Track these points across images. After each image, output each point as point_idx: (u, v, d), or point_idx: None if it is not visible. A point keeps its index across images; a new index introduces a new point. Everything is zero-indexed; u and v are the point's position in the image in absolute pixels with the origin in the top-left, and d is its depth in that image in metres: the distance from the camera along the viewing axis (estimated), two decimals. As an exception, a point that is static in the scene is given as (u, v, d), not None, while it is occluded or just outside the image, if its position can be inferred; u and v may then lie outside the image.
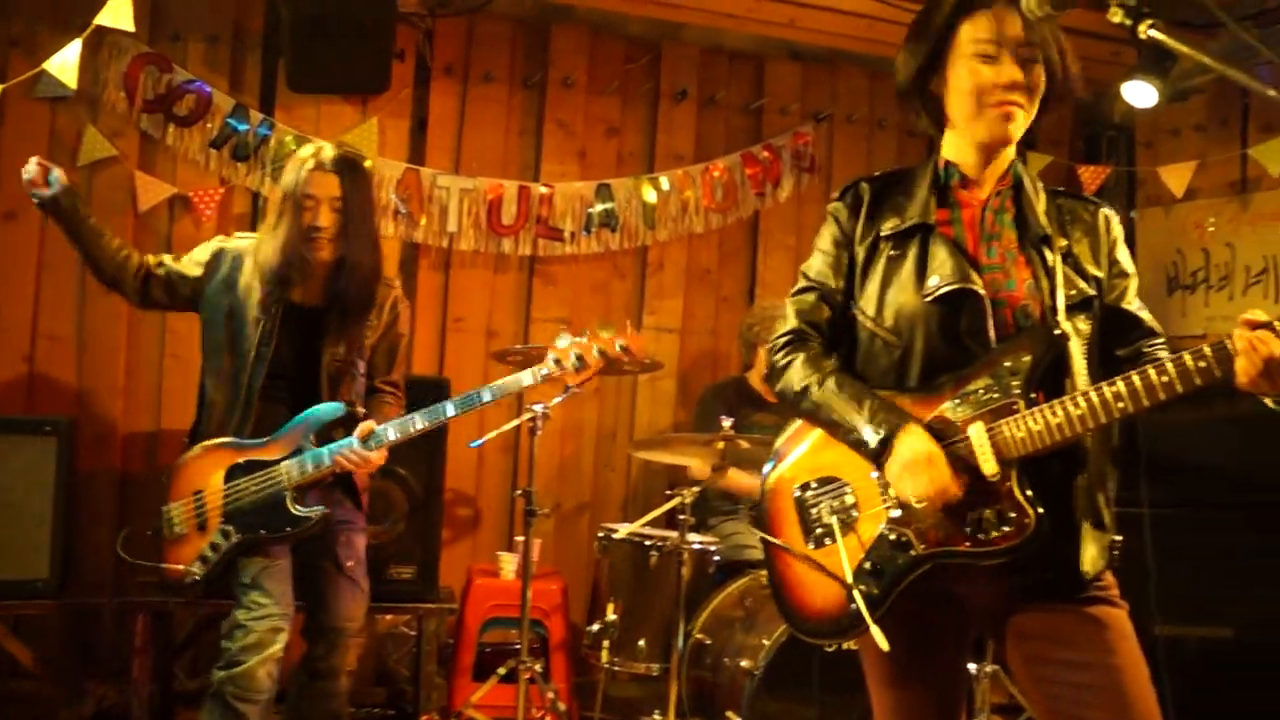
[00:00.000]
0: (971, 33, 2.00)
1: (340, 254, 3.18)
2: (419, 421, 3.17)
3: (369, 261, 3.25)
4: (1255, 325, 1.77)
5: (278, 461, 3.12)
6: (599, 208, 5.16)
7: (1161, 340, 2.11)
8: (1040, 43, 1.99)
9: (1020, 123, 2.03)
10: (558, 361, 3.21)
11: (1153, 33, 1.36)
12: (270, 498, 3.09)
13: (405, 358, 3.55)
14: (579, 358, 3.20)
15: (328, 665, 3.23)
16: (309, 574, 3.23)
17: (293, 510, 3.08)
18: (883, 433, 1.96)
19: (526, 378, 3.22)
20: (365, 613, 3.33)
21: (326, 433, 3.16)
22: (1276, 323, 1.76)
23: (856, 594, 1.98)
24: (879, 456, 1.98)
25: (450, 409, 3.18)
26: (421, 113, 5.09)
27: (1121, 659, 1.91)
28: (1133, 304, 2.13)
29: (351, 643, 3.25)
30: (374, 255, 3.29)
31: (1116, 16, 1.40)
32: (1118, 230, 2.16)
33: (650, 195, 5.22)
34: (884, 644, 1.93)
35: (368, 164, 4.73)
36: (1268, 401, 1.83)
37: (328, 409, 3.15)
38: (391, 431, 3.15)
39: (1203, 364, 1.81)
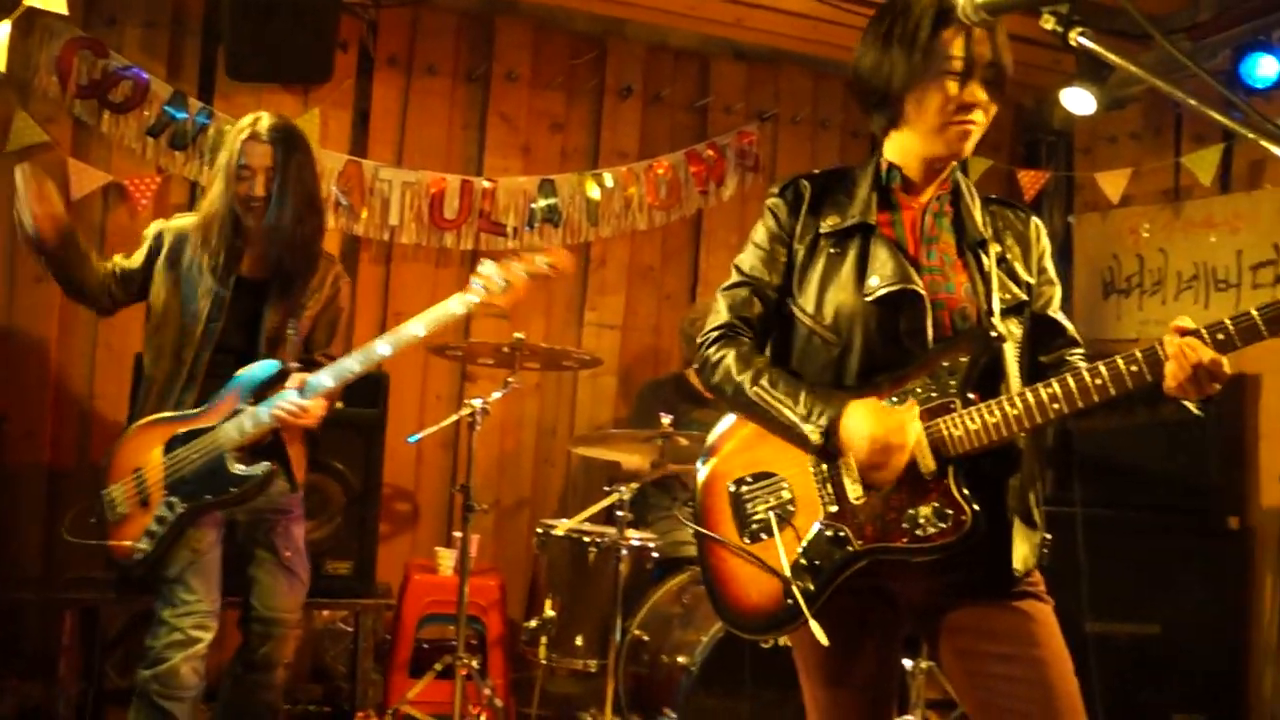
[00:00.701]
0: (946, 48, 2.01)
1: (276, 222, 3.14)
2: (354, 364, 3.07)
3: (306, 230, 3.19)
4: (1184, 332, 1.82)
5: (216, 426, 3.05)
6: (542, 203, 5.14)
7: (1081, 350, 2.16)
8: (993, 58, 2.01)
9: (975, 140, 2.07)
10: (484, 286, 3.11)
11: (1082, 40, 1.39)
12: (211, 463, 3.02)
13: (345, 333, 3.50)
14: (505, 280, 3.11)
15: (264, 657, 3.18)
16: (245, 564, 3.19)
17: (234, 470, 3.01)
18: (824, 423, 1.97)
19: (456, 305, 3.10)
20: (303, 604, 3.29)
21: (262, 392, 3.08)
22: (1204, 330, 1.81)
23: (795, 589, 1.99)
24: (825, 449, 1.99)
25: (383, 347, 3.08)
26: (364, 104, 5.04)
27: (1047, 652, 1.96)
28: (1057, 312, 2.19)
29: (289, 634, 3.21)
30: (312, 223, 3.23)
31: (1048, 24, 1.43)
32: (1046, 239, 2.22)
33: (594, 191, 5.21)
34: (823, 639, 1.94)
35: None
36: (1191, 406, 1.87)
37: (261, 367, 3.09)
38: (326, 377, 3.06)
39: (1135, 368, 1.85)
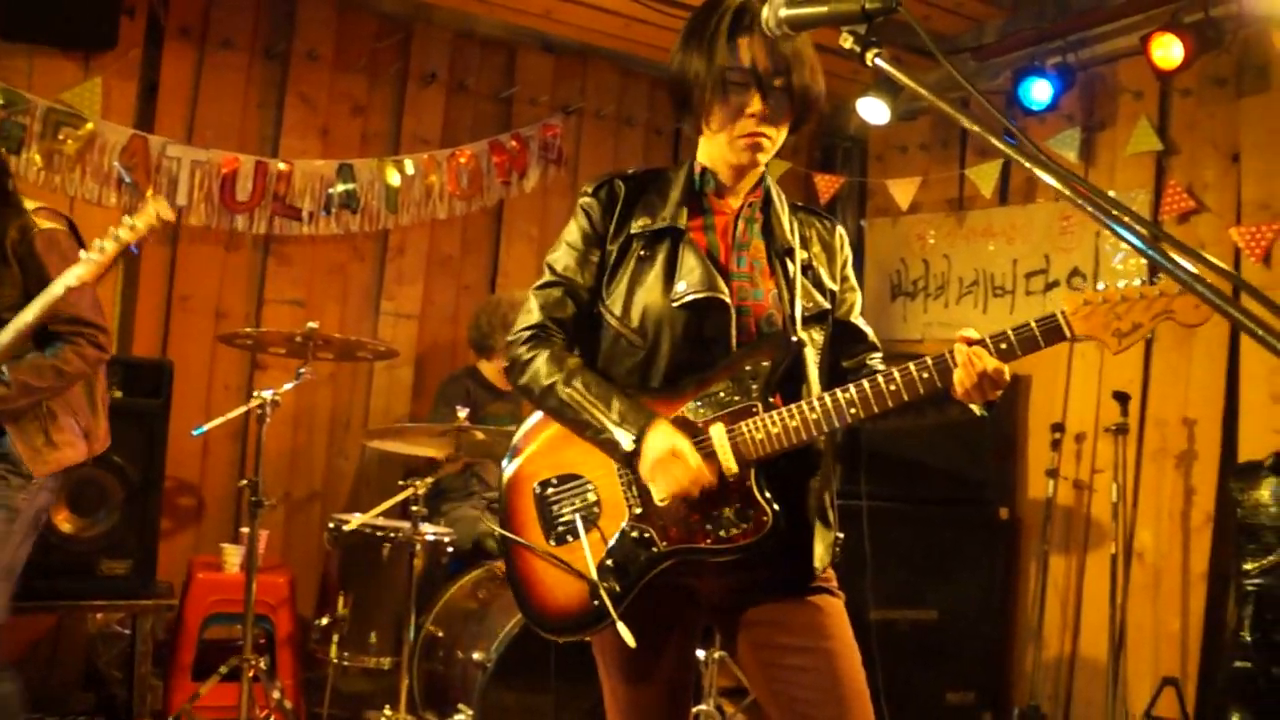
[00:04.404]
0: (737, 57, 2.02)
1: None
2: (28, 314, 2.84)
3: None
4: (971, 342, 1.91)
5: None
6: (340, 188, 4.99)
7: (880, 354, 2.25)
8: (790, 70, 2.03)
9: (767, 151, 2.09)
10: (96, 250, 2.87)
11: (878, 62, 1.44)
12: None
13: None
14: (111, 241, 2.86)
15: None
16: None
17: None
18: (633, 433, 1.98)
19: (67, 278, 2.84)
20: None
21: None
22: (989, 340, 1.91)
23: (602, 591, 1.99)
24: (629, 457, 2.00)
25: (28, 313, 2.86)
26: (152, 76, 4.76)
27: (837, 644, 2.03)
28: (858, 319, 2.26)
29: None
30: None
31: (847, 42, 1.46)
32: (849, 248, 2.29)
33: (394, 178, 5.09)
34: (631, 640, 1.95)
35: (89, 126, 4.40)
36: (975, 409, 1.98)
37: None
38: None
39: (926, 375, 1.94)
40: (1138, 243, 1.19)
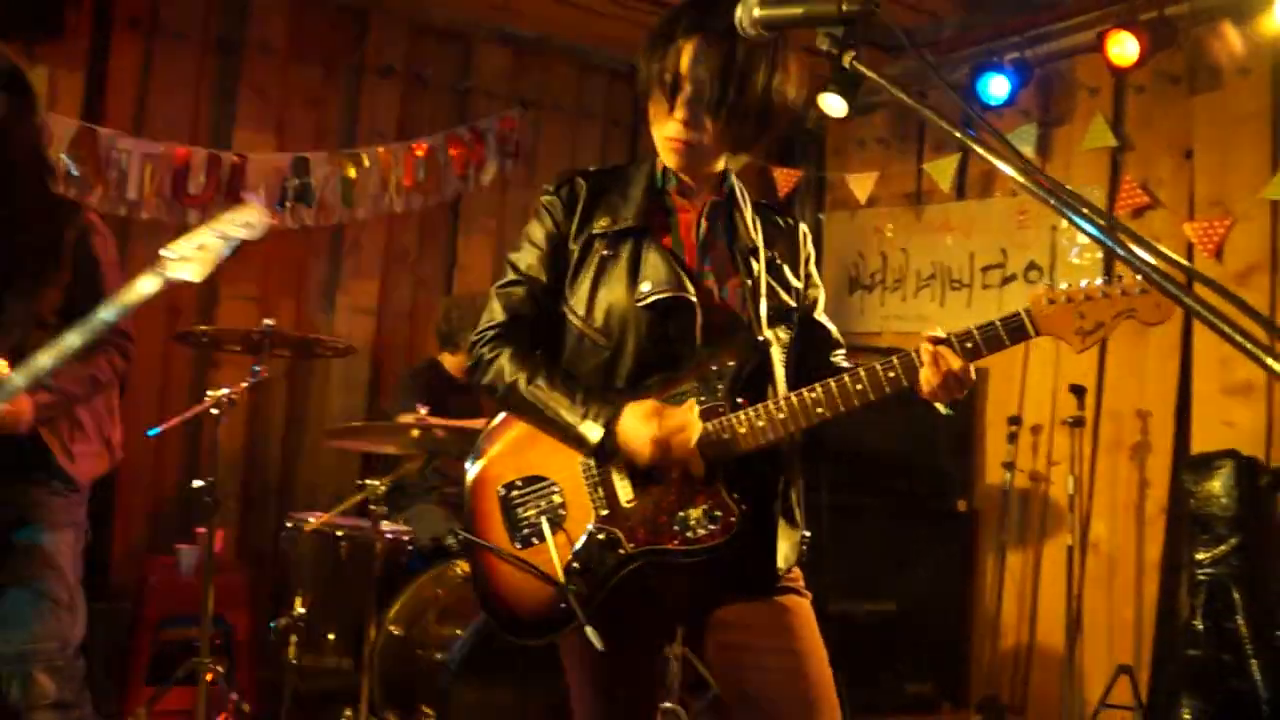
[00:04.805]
0: (671, 60, 1.99)
1: None
2: (46, 361, 2.52)
3: None
4: (936, 341, 1.91)
5: None
6: (295, 182, 4.91)
7: (844, 350, 2.25)
8: (734, 77, 1.96)
9: (696, 155, 2.06)
10: (178, 258, 2.62)
11: (856, 64, 1.43)
12: None
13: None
14: (198, 249, 2.63)
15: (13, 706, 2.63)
16: None
17: None
18: (600, 427, 1.97)
19: (146, 285, 2.59)
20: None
21: None
22: (954, 339, 1.91)
23: (569, 594, 1.97)
24: (602, 451, 1.98)
25: (73, 337, 2.56)
26: (100, 67, 4.66)
27: (805, 644, 2.03)
28: (821, 316, 2.26)
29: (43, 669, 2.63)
30: None
31: (824, 44, 1.46)
32: (811, 245, 2.28)
33: (350, 171, 5.02)
34: (599, 644, 1.93)
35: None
36: (940, 407, 1.98)
37: None
38: (19, 377, 2.53)
39: (892, 374, 1.94)
40: (1094, 231, 1.20)
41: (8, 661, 2.59)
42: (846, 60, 1.44)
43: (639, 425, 1.95)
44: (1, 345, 2.65)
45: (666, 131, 2.04)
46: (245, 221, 2.68)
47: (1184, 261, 1.31)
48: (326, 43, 5.09)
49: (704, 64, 1.97)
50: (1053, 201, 1.24)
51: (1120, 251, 1.18)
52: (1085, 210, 1.21)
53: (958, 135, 1.31)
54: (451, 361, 4.72)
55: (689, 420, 1.96)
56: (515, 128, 5.45)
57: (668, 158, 2.08)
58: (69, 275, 2.76)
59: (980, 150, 1.31)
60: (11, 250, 2.71)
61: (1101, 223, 1.21)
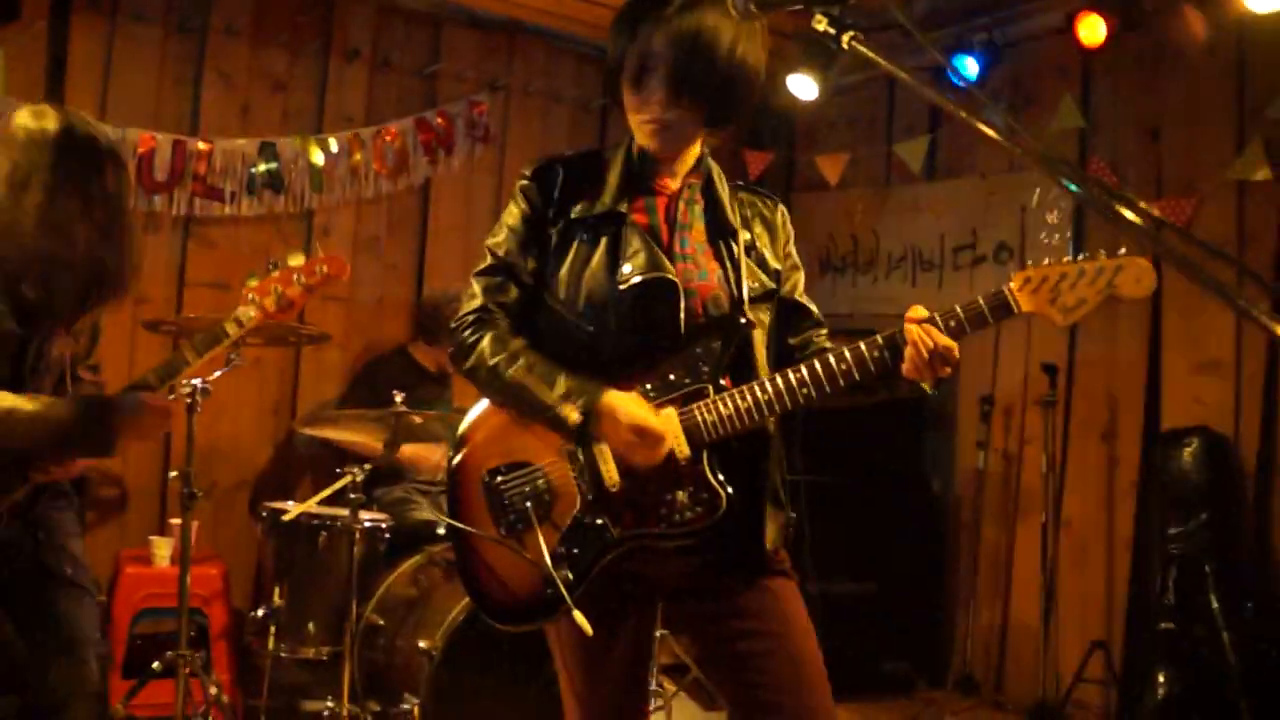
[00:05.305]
0: (642, 41, 1.99)
1: None
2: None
3: None
4: (920, 320, 1.91)
5: None
6: (262, 167, 4.85)
7: (826, 331, 2.25)
8: (703, 56, 1.96)
9: (674, 136, 2.06)
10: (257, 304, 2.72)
11: (855, 44, 1.42)
12: None
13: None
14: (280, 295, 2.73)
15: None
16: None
17: None
18: (580, 408, 1.96)
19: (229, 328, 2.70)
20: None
21: None
22: (938, 318, 1.92)
23: (557, 579, 1.96)
24: (582, 433, 1.97)
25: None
26: (59, 50, 4.56)
27: (793, 627, 2.03)
28: (803, 296, 2.25)
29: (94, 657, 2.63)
30: None
31: (821, 25, 1.45)
32: (791, 226, 2.28)
33: (318, 157, 4.96)
34: (588, 628, 1.93)
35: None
36: (925, 386, 1.99)
37: None
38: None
39: (876, 353, 1.94)
40: (1075, 188, 1.22)
41: (63, 651, 2.55)
42: (845, 41, 1.44)
43: (618, 408, 1.95)
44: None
45: (644, 114, 2.03)
46: (305, 284, 2.77)
47: (1153, 215, 1.35)
48: (292, 26, 5.02)
49: (675, 40, 1.96)
50: (1040, 163, 1.26)
51: (1098, 206, 1.20)
52: (1067, 170, 1.23)
53: (963, 114, 1.31)
54: (426, 353, 4.69)
55: (670, 429, 1.96)
56: (484, 112, 5.41)
57: (645, 140, 2.07)
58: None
59: (990, 129, 1.31)
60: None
61: (1081, 182, 1.24)
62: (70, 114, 2.55)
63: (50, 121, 2.48)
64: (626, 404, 1.96)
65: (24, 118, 2.49)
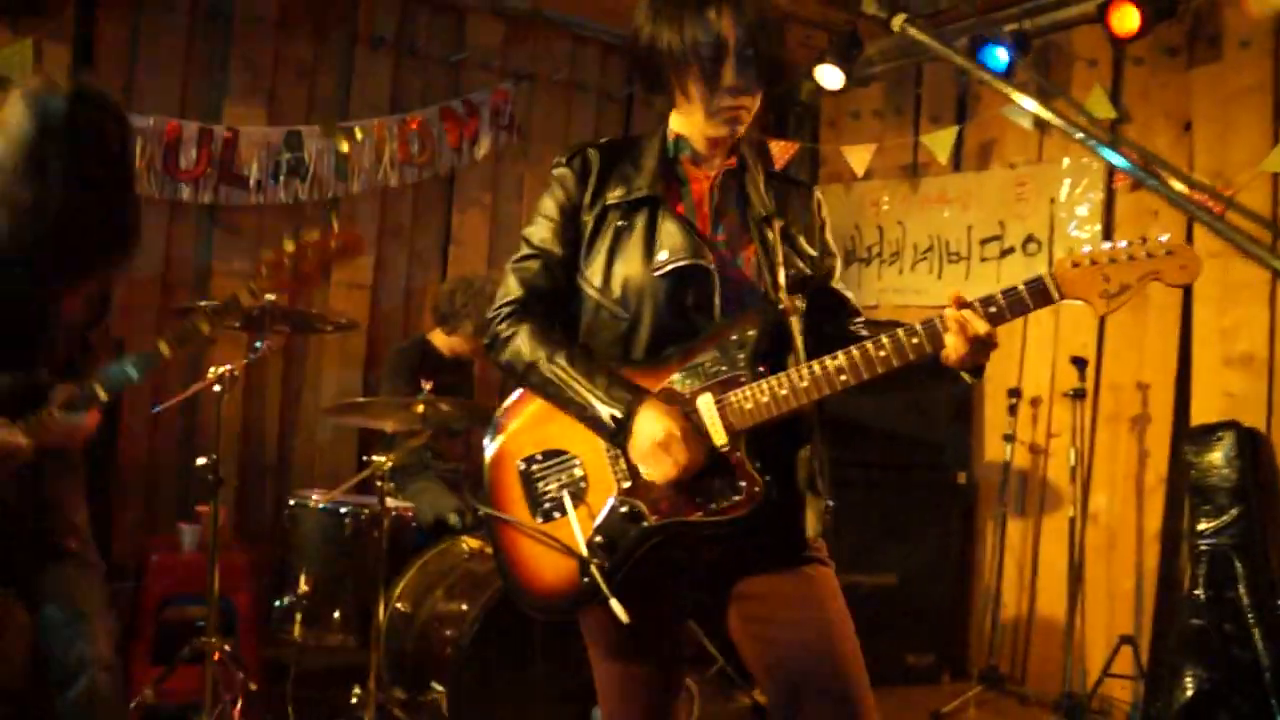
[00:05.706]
0: (701, 30, 1.97)
1: None
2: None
3: None
4: (961, 305, 1.89)
5: None
6: (287, 155, 4.85)
7: (862, 319, 2.23)
8: (759, 39, 1.98)
9: (745, 122, 2.07)
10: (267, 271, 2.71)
11: (908, 27, 1.40)
12: None
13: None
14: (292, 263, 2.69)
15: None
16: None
17: None
18: (619, 412, 1.94)
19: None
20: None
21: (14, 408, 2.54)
22: (977, 304, 1.89)
23: (593, 568, 1.95)
24: (617, 436, 1.96)
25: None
26: (87, 38, 4.57)
27: (832, 614, 2.01)
28: (838, 283, 2.24)
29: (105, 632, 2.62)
30: None
31: (871, 8, 1.43)
32: (826, 212, 2.26)
33: (343, 145, 4.96)
34: (624, 617, 1.91)
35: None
36: (966, 376, 1.96)
37: None
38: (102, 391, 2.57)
39: (916, 340, 1.92)
40: (1126, 165, 1.20)
41: (70, 623, 2.53)
42: (897, 24, 1.42)
43: (656, 421, 1.93)
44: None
45: (720, 102, 2.01)
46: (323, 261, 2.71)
47: (1219, 191, 1.33)
48: (317, 14, 5.02)
49: (742, 30, 1.95)
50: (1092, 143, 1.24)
51: (1157, 185, 1.18)
52: (1123, 150, 1.21)
53: (1014, 97, 1.29)
54: (444, 341, 4.68)
55: (695, 460, 1.93)
56: (509, 101, 5.39)
57: (719, 129, 2.05)
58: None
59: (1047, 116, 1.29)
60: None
61: (1138, 159, 1.22)
62: (62, 81, 2.50)
63: (39, 84, 2.47)
64: (661, 418, 1.93)
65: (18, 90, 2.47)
